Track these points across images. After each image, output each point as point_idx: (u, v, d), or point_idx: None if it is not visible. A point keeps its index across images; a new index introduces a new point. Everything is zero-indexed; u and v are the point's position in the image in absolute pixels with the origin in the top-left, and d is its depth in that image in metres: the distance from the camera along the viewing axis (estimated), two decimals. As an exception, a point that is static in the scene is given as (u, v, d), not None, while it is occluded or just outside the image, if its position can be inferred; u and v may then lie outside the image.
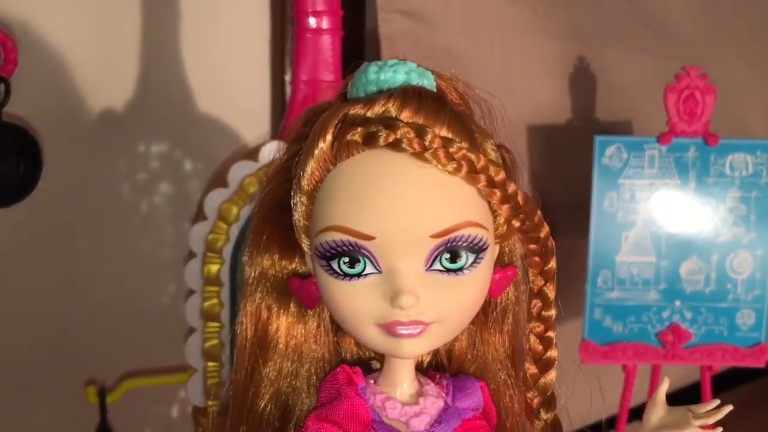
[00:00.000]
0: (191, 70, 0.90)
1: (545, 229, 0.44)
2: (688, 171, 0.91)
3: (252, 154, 0.75)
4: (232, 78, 0.93)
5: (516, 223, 0.42)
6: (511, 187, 0.41)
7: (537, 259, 0.45)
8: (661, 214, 0.91)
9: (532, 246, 0.44)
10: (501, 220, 0.43)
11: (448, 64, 0.47)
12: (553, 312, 0.46)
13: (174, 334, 0.83)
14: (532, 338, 0.46)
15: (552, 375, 0.46)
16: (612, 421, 0.97)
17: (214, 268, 0.72)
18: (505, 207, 0.41)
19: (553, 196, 0.98)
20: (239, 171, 0.73)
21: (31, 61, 0.75)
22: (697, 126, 0.91)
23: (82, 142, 0.85)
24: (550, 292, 0.45)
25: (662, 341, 0.92)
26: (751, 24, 1.28)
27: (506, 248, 0.46)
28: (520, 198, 0.42)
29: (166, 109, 0.90)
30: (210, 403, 0.73)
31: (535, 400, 0.47)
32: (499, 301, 0.47)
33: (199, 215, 0.75)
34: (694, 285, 0.92)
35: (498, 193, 0.41)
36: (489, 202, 0.42)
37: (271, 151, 0.72)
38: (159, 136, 0.91)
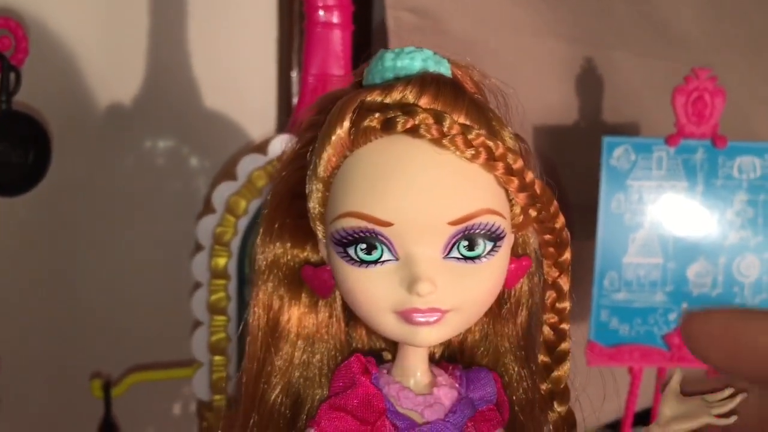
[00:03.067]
0: (198, 66, 0.90)
1: (561, 220, 0.43)
2: (696, 173, 0.91)
3: (261, 147, 0.74)
4: (238, 74, 0.93)
5: (533, 213, 0.42)
6: (529, 176, 0.41)
7: (552, 249, 0.44)
8: (668, 215, 0.91)
9: (547, 236, 0.44)
10: (518, 209, 0.42)
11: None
12: (567, 304, 0.45)
13: (179, 328, 0.82)
14: (546, 329, 0.45)
15: (566, 367, 0.46)
16: (617, 425, 0.97)
17: (221, 261, 0.72)
18: (523, 195, 0.41)
19: (560, 197, 0.98)
20: (248, 164, 0.72)
21: (39, 53, 0.75)
22: (705, 128, 0.91)
23: (88, 137, 0.85)
24: (564, 283, 0.45)
25: (668, 344, 0.92)
26: (759, 31, 1.28)
27: (520, 239, 0.46)
28: (537, 187, 0.41)
29: (172, 104, 0.90)
30: (216, 397, 0.73)
31: (549, 392, 0.46)
32: (512, 292, 0.46)
33: (207, 208, 0.74)
34: (701, 287, 0.92)
35: (516, 181, 0.40)
36: (506, 191, 0.41)
37: (280, 144, 0.72)
38: (165, 132, 0.91)
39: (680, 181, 0.91)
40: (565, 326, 0.45)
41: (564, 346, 0.45)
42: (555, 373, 0.46)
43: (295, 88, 0.97)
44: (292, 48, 0.97)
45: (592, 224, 0.91)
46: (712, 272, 0.92)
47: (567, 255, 0.44)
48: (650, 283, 0.92)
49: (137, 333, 0.87)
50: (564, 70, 1.12)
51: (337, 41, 0.74)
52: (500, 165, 0.40)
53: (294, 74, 0.97)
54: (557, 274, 0.44)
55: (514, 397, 0.46)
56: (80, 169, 0.84)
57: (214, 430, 0.73)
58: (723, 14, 1.26)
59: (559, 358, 0.46)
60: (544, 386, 0.46)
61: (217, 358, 0.72)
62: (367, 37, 1.01)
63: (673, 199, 0.90)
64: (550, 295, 0.45)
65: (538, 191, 0.41)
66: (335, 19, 0.74)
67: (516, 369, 0.47)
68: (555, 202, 0.43)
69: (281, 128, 0.96)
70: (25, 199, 0.73)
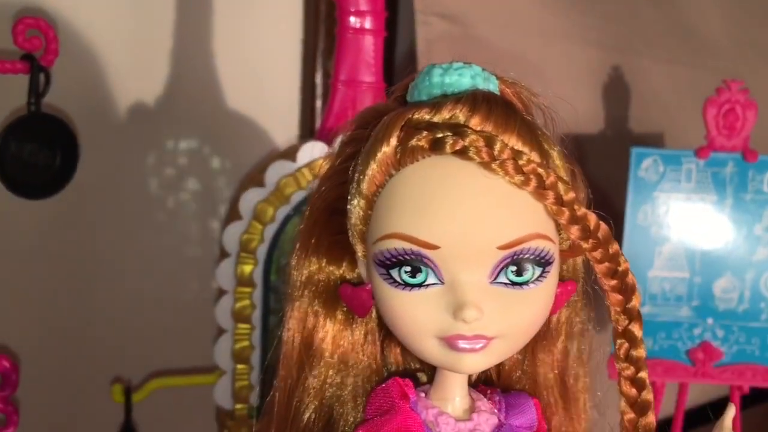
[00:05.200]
0: (222, 68, 0.89)
1: (624, 263, 0.41)
2: (726, 186, 0.89)
3: (289, 154, 0.73)
4: (262, 76, 0.93)
5: (585, 245, 0.40)
6: (581, 209, 0.39)
7: (618, 296, 0.41)
8: (696, 229, 0.89)
9: (612, 282, 0.41)
10: (566, 235, 0.41)
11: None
12: (642, 351, 0.42)
13: (199, 333, 0.82)
14: (624, 383, 0.43)
15: (651, 417, 0.43)
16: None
17: (247, 268, 0.71)
18: (575, 228, 0.39)
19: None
20: (276, 171, 0.71)
21: (67, 54, 0.74)
22: (736, 141, 0.90)
23: (111, 137, 0.84)
24: (637, 330, 0.42)
25: (692, 359, 0.90)
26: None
27: (565, 263, 0.44)
28: (590, 221, 0.39)
29: (195, 106, 0.89)
30: (238, 406, 0.72)
31: None
32: (552, 318, 0.45)
33: (234, 214, 0.73)
34: (727, 303, 0.90)
35: (566, 212, 0.39)
36: (556, 221, 0.40)
37: (309, 151, 0.71)
38: (187, 133, 0.90)
39: (709, 194, 0.89)
40: (643, 375, 0.42)
41: (646, 395, 0.43)
42: (641, 423, 0.43)
43: (319, 90, 0.96)
44: (317, 50, 0.96)
45: (618, 235, 0.89)
46: (738, 288, 0.90)
47: (635, 301, 0.41)
48: (675, 297, 0.90)
49: (159, 338, 0.86)
50: (591, 76, 1.11)
51: (369, 47, 0.73)
52: (550, 194, 0.38)
53: (318, 77, 0.96)
54: (627, 321, 0.42)
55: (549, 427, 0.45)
56: (104, 171, 0.83)
57: (235, 438, 0.72)
58: (752, 21, 1.24)
59: (644, 408, 0.43)
60: None
61: (240, 366, 0.71)
62: (392, 44, 1.00)
63: (701, 212, 0.89)
64: (622, 344, 0.42)
65: (591, 225, 0.39)
66: (368, 24, 0.73)
67: (550, 399, 0.45)
68: (615, 244, 0.40)
69: (304, 131, 0.95)
70: (49, 200, 0.72)
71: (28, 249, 0.80)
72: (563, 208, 0.39)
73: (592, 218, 0.40)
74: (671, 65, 1.17)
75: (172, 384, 0.81)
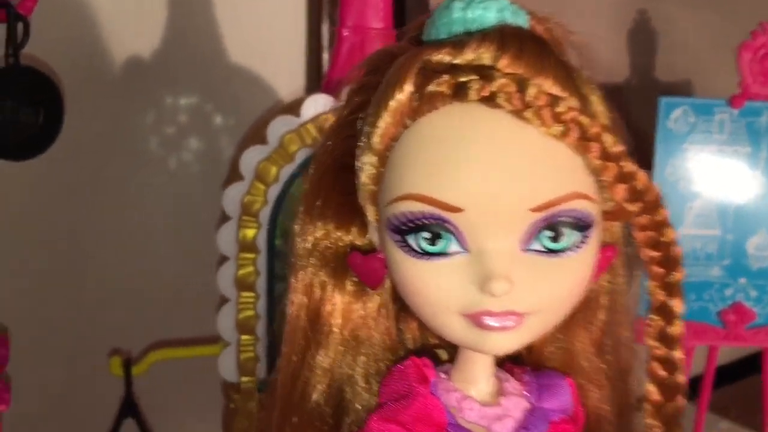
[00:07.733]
0: (222, 18, 0.85)
1: (670, 233, 0.37)
2: (761, 137, 0.85)
3: (292, 108, 0.69)
4: (265, 26, 0.88)
5: (631, 209, 0.35)
6: (629, 165, 0.34)
7: (659, 268, 0.38)
8: (728, 183, 0.85)
9: (653, 253, 0.37)
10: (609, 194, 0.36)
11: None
12: (679, 329, 0.39)
13: (203, 302, 0.79)
14: (653, 363, 0.39)
15: (679, 401, 0.39)
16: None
17: (250, 233, 0.67)
18: (621, 187, 0.35)
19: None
20: (279, 127, 0.67)
21: (53, 3, 0.69)
22: (773, 88, 0.85)
23: (104, 93, 0.81)
24: (676, 306, 0.38)
25: (724, 321, 0.86)
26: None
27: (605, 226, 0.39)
28: (639, 180, 0.35)
29: (194, 59, 0.85)
30: (244, 379, 0.68)
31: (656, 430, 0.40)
32: (590, 286, 0.40)
33: (234, 175, 0.69)
34: (762, 261, 0.86)
35: (614, 168, 0.34)
36: (599, 179, 0.35)
37: (314, 105, 0.66)
38: (188, 89, 0.85)
39: (743, 146, 0.85)
40: (676, 355, 0.39)
41: (676, 378, 0.39)
42: (670, 407, 0.40)
43: (325, 41, 0.92)
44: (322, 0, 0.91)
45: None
46: (774, 245, 0.87)
47: (678, 274, 0.38)
48: (706, 256, 0.87)
49: (158, 307, 0.83)
50: (614, 20, 1.06)
51: (377, -10, 0.68)
52: (595, 147, 0.33)
53: (325, 28, 0.92)
54: (666, 296, 0.38)
55: (587, 406, 0.41)
56: (95, 129, 0.79)
57: (241, 412, 0.69)
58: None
59: (673, 391, 0.39)
60: (651, 421, 0.40)
61: (244, 337, 0.68)
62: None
63: (734, 165, 0.85)
64: (656, 321, 0.39)
65: (639, 186, 0.35)
66: (375, -36, 0.67)
67: (590, 374, 0.41)
68: (663, 210, 0.36)
69: (311, 85, 0.91)
70: (36, 162, 0.68)
71: (18, 215, 0.77)
72: (609, 163, 0.34)
73: (642, 177, 0.35)
74: (699, 11, 1.12)
75: (174, 356, 0.78)
